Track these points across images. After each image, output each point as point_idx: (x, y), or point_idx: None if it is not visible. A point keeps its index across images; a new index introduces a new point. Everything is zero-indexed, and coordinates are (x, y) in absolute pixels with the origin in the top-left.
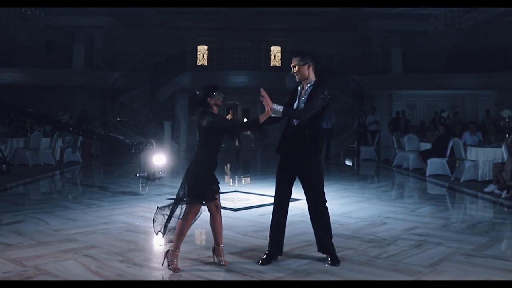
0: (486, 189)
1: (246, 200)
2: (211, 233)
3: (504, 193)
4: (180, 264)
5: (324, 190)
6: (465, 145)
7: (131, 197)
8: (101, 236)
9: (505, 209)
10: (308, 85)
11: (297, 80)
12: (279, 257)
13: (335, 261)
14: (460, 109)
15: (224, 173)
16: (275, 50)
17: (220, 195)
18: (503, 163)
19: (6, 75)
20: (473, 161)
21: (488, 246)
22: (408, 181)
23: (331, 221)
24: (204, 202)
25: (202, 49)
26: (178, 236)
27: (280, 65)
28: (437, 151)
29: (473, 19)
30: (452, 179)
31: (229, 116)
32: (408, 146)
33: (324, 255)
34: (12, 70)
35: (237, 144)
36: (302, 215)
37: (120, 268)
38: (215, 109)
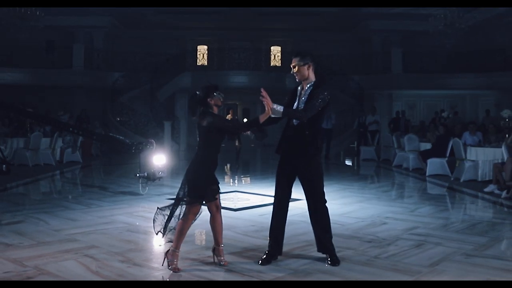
0: (486, 189)
1: (246, 200)
2: (211, 233)
3: (504, 193)
4: (180, 264)
5: (324, 190)
6: (465, 145)
7: (131, 197)
8: (101, 236)
9: (505, 209)
10: (308, 85)
11: (297, 80)
12: (279, 257)
13: (335, 261)
14: (460, 109)
15: (224, 173)
16: (275, 50)
17: (220, 195)
18: (503, 163)
19: (6, 75)
20: (473, 161)
21: (488, 246)
22: (408, 181)
23: (331, 221)
24: (204, 202)
25: (202, 49)
26: (178, 236)
27: (280, 65)
28: (437, 151)
29: (473, 19)
30: (452, 179)
31: (229, 116)
32: (408, 146)
33: (324, 255)
34: (12, 70)
35: (237, 144)
36: (302, 215)
37: (120, 268)
38: (215, 110)
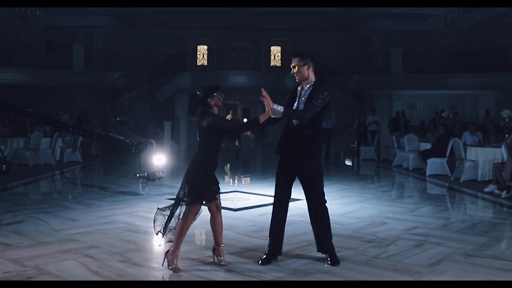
0: (486, 189)
1: (246, 200)
2: (211, 233)
3: (503, 193)
4: (180, 264)
5: (324, 190)
6: (465, 145)
7: (131, 197)
8: (101, 236)
9: (505, 209)
10: (308, 86)
11: (297, 80)
12: (279, 257)
13: (334, 261)
14: (460, 109)
15: (224, 173)
16: (275, 50)
17: (220, 195)
18: (503, 163)
19: (6, 75)
20: (473, 161)
21: (488, 246)
22: (408, 181)
23: (331, 221)
24: (204, 202)
25: (202, 49)
26: (178, 236)
27: (280, 65)
28: (437, 151)
29: (473, 19)
30: (452, 179)
31: (229, 116)
32: (408, 146)
33: (324, 255)
34: (12, 70)
35: (237, 144)
36: (302, 215)
37: (120, 268)
38: (215, 110)
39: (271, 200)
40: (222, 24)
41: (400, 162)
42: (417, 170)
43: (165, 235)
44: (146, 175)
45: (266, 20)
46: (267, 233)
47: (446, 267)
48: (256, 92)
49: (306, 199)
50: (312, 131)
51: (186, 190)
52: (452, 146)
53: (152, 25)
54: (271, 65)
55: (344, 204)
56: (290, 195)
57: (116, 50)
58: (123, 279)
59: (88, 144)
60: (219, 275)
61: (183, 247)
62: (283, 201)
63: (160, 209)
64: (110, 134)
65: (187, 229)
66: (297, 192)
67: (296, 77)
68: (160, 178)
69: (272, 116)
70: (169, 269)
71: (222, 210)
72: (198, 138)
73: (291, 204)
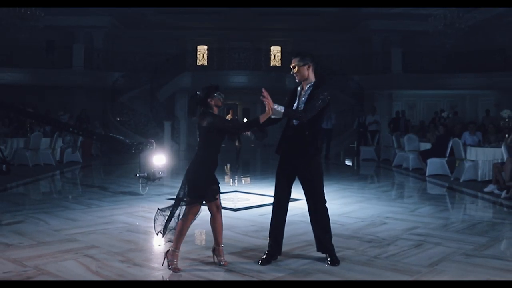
0: (486, 189)
1: (246, 200)
2: (211, 233)
3: (503, 193)
4: (180, 264)
5: (324, 190)
6: (464, 145)
7: (131, 197)
8: (101, 236)
9: (505, 209)
10: (308, 86)
11: (297, 80)
12: (278, 257)
13: (334, 261)
14: (460, 109)
15: (224, 173)
16: (275, 50)
17: (220, 195)
18: (502, 163)
19: (6, 75)
20: (472, 161)
21: (488, 246)
22: (408, 181)
23: (331, 221)
24: (204, 202)
25: (202, 49)
26: (177, 236)
27: (280, 65)
28: (437, 151)
29: (473, 19)
30: (451, 179)
31: (229, 116)
32: (408, 146)
33: (324, 255)
34: (12, 70)
35: (237, 144)
36: (302, 215)
37: (120, 268)
38: (216, 110)
39: (271, 200)
40: (222, 24)
41: (400, 162)
42: (417, 170)
43: (165, 235)
44: (146, 175)
45: (266, 20)
46: (267, 233)
47: (446, 267)
48: (256, 92)
49: (306, 199)
50: (312, 131)
51: (186, 190)
52: (452, 146)
53: (152, 25)
54: (271, 65)
55: (344, 204)
56: (290, 195)
57: (116, 50)
58: (123, 279)
59: (88, 144)
60: (219, 275)
61: (183, 247)
62: (283, 201)
63: (160, 210)
64: (110, 134)
65: (187, 229)
66: (297, 192)
67: (296, 77)
68: (160, 178)
69: (272, 116)
70: (169, 269)
71: (222, 210)
72: (198, 138)
73: (291, 204)
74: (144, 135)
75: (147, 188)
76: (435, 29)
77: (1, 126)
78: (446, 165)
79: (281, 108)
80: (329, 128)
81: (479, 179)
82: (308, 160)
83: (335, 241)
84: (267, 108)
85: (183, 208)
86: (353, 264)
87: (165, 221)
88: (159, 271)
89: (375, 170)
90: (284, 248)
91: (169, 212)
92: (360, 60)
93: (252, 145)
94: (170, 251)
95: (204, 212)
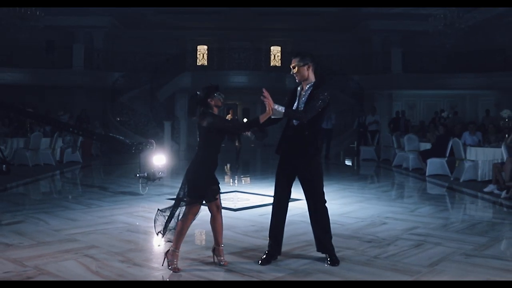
0: (486, 189)
1: (246, 200)
2: (211, 233)
3: (503, 193)
4: (180, 264)
5: (324, 190)
6: (464, 145)
7: (131, 197)
8: (101, 236)
9: (505, 209)
10: (308, 86)
11: (296, 80)
12: (278, 257)
13: (334, 261)
14: (460, 109)
15: (224, 173)
16: (275, 50)
17: (220, 195)
18: (502, 163)
19: (6, 75)
20: (472, 161)
21: (488, 246)
22: (408, 181)
23: (330, 221)
24: (204, 202)
25: (202, 49)
26: (177, 236)
27: (280, 65)
28: (436, 151)
29: (473, 19)
30: (451, 179)
31: (229, 116)
32: (408, 146)
33: (324, 255)
34: (12, 70)
35: (237, 144)
36: (302, 215)
37: (120, 268)
38: (216, 110)
39: (271, 200)
40: (222, 24)
41: (400, 162)
42: (417, 170)
43: (164, 235)
44: (146, 175)
45: (266, 20)
46: (267, 233)
47: (446, 267)
48: (256, 92)
49: (306, 199)
50: (312, 131)
51: (186, 190)
52: (452, 146)
53: (152, 25)
54: (271, 65)
55: (344, 204)
56: (290, 195)
57: (116, 50)
58: (123, 279)
59: (88, 144)
60: (219, 275)
61: (183, 247)
62: (283, 201)
63: (160, 210)
64: (110, 134)
65: (187, 229)
66: (297, 192)
67: (296, 78)
68: (160, 178)
69: (273, 117)
70: (169, 269)
71: (222, 210)
72: (198, 138)
73: (291, 204)
74: (144, 135)
75: (147, 188)
76: (435, 29)
77: (1, 126)
78: (446, 165)
79: (281, 108)
80: (329, 128)
81: (479, 179)
82: (308, 160)
83: (335, 241)
84: (267, 108)
85: (183, 208)
86: (353, 264)
87: (165, 221)
88: (159, 271)
89: (375, 170)
90: (284, 248)
91: (169, 212)
92: (360, 60)
93: (252, 145)
94: (170, 251)
95: (204, 212)
